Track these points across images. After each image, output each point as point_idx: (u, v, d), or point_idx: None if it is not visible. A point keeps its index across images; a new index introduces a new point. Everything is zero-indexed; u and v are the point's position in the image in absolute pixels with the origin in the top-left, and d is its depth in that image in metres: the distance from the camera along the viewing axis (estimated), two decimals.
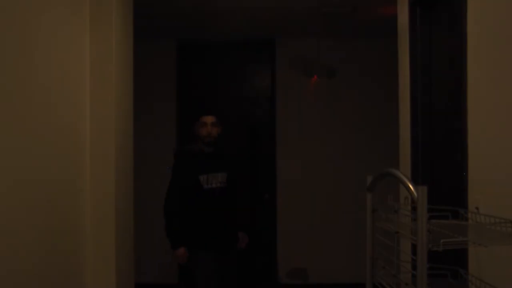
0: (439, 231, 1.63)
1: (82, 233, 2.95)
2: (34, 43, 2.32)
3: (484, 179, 2.15)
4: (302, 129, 5.88)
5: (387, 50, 4.33)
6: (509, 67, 1.95)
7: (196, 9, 4.72)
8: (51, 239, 2.50)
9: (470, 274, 2.00)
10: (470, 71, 2.29)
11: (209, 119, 3.81)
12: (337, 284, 5.67)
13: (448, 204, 1.88)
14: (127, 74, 3.47)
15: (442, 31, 2.93)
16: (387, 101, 4.98)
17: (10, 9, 2.10)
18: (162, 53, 5.87)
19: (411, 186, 1.58)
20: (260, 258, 5.85)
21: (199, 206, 3.76)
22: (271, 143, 5.89)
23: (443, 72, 2.93)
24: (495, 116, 2.08)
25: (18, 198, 2.14)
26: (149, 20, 4.78)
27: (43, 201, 2.40)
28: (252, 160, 5.94)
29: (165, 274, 5.78)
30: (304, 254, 5.80)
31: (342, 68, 5.86)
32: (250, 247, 4.14)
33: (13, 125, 2.10)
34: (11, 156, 2.08)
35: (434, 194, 1.66)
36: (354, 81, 5.85)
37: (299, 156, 5.85)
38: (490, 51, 2.14)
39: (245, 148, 5.94)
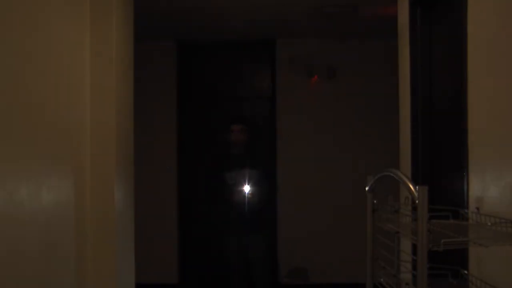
0: (439, 231, 1.63)
1: (82, 233, 2.95)
2: (34, 43, 2.32)
3: (485, 179, 2.15)
4: (302, 129, 5.88)
5: (387, 50, 4.33)
6: (510, 67, 1.95)
7: (196, 9, 4.71)
8: (51, 239, 2.50)
9: (471, 274, 2.00)
10: (470, 71, 2.29)
11: (237, 127, 4.53)
12: (337, 284, 5.67)
13: (448, 204, 1.88)
14: (127, 74, 3.47)
15: (442, 31, 2.93)
16: (387, 101, 4.98)
17: (10, 9, 2.10)
18: (162, 53, 5.87)
19: (411, 186, 1.58)
20: (260, 258, 5.85)
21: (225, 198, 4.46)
22: (272, 143, 5.89)
23: (443, 72, 2.93)
24: (495, 115, 2.08)
25: (18, 198, 2.14)
26: (149, 20, 4.77)
27: (43, 201, 2.40)
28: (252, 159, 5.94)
29: (165, 274, 5.79)
30: (304, 254, 5.80)
31: (342, 68, 5.86)
32: (250, 247, 4.20)
33: (12, 126, 2.10)
34: (11, 156, 2.08)
35: (434, 194, 1.66)
36: (354, 81, 5.84)
37: (299, 156, 5.85)
38: (490, 50, 2.14)
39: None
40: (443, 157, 2.89)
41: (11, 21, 2.10)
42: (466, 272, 2.00)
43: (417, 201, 1.53)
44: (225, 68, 6.04)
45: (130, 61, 3.57)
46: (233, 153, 4.47)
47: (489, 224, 1.76)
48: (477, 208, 2.04)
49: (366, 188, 2.03)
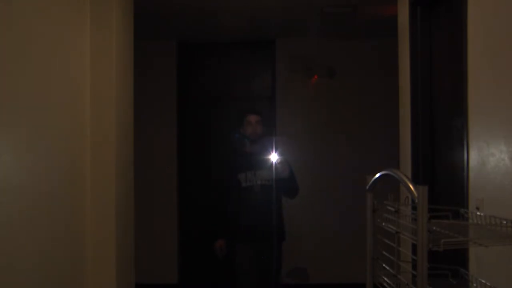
0: (439, 231, 1.63)
1: (82, 233, 2.95)
2: (34, 44, 2.32)
3: (485, 179, 2.15)
4: (302, 129, 5.87)
5: (387, 50, 4.33)
6: (509, 67, 1.95)
7: (196, 9, 4.71)
8: (51, 239, 2.50)
9: (471, 274, 2.00)
10: (470, 71, 2.29)
11: (254, 118, 4.02)
12: (337, 284, 5.67)
13: (448, 204, 1.88)
14: (127, 74, 3.47)
15: (442, 30, 2.93)
16: (387, 100, 4.98)
17: (11, 9, 2.09)
18: (162, 53, 5.87)
19: (411, 186, 1.58)
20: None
21: (239, 202, 4.00)
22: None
23: (443, 71, 2.93)
24: (495, 115, 2.08)
25: (19, 198, 2.14)
26: (149, 20, 4.77)
27: (43, 201, 2.40)
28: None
29: (165, 274, 5.79)
30: (304, 254, 5.80)
31: (342, 68, 5.86)
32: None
33: (13, 125, 2.10)
34: (12, 156, 2.08)
35: (434, 194, 1.66)
36: (354, 81, 5.84)
37: (298, 156, 5.83)
38: (490, 50, 2.14)
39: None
40: (443, 157, 2.89)
41: (12, 20, 2.10)
42: (466, 272, 2.00)
43: (417, 201, 1.53)
44: (225, 68, 6.04)
45: (131, 61, 3.57)
46: (247, 151, 4.03)
47: (489, 224, 1.76)
48: (477, 208, 2.04)
49: (366, 188, 2.03)
